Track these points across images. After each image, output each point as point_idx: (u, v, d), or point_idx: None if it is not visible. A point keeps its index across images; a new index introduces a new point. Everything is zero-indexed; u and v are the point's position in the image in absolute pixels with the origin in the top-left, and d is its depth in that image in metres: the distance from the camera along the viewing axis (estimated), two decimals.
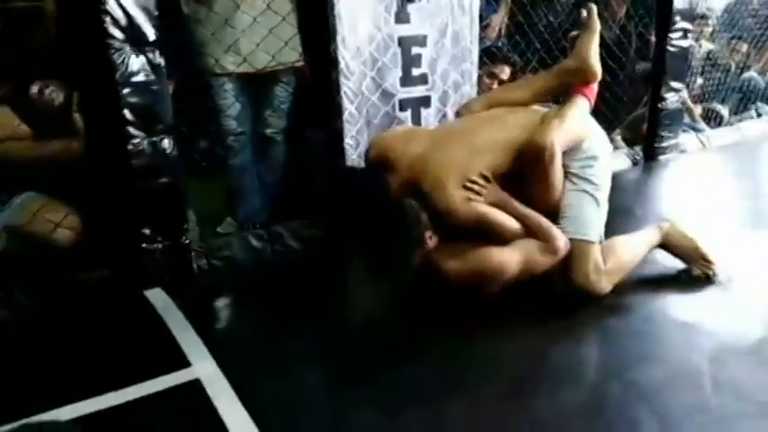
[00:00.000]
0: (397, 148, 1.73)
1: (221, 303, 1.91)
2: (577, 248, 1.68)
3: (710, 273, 1.83)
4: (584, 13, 1.86)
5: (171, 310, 1.73)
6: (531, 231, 1.67)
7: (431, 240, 1.62)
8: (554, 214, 1.72)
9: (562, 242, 1.66)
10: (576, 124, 1.75)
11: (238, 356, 1.53)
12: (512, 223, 1.66)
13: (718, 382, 1.37)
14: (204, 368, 1.45)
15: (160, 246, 1.88)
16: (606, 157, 1.81)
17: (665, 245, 1.86)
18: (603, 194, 1.76)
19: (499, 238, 1.65)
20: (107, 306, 1.80)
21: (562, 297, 1.71)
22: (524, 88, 1.93)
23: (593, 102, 1.85)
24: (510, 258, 1.63)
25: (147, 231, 1.86)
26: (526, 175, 1.70)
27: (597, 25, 1.85)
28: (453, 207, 1.62)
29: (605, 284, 1.70)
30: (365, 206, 1.66)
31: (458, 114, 1.99)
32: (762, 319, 1.63)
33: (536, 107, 1.85)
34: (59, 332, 1.67)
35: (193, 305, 1.76)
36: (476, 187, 1.65)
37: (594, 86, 1.85)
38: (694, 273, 1.85)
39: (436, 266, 1.62)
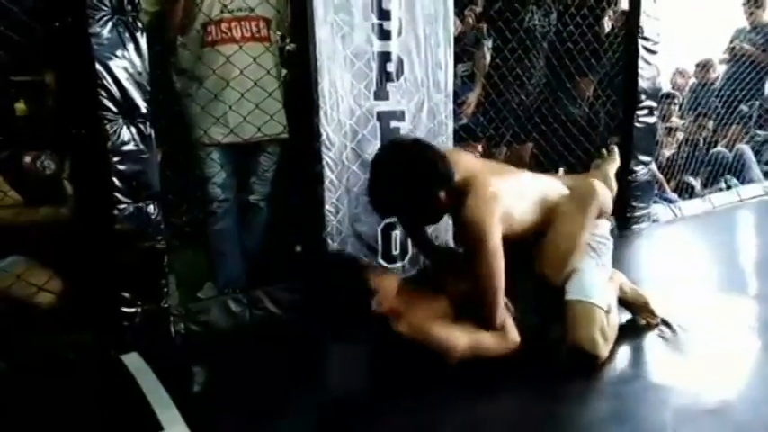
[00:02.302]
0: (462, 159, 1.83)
1: (197, 368, 1.91)
2: (584, 311, 1.70)
3: (655, 323, 1.97)
4: (605, 152, 2.25)
5: (146, 375, 1.72)
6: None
7: (379, 305, 1.64)
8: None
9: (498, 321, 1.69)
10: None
11: (211, 421, 1.52)
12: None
13: None
14: None
15: (139, 309, 1.89)
16: (611, 246, 1.93)
17: (619, 298, 1.94)
18: (608, 274, 1.88)
19: (480, 292, 1.67)
20: (83, 370, 1.79)
21: (563, 362, 1.70)
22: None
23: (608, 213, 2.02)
24: (455, 341, 1.63)
25: (127, 295, 1.88)
26: (553, 228, 1.79)
27: (617, 160, 2.21)
28: (482, 221, 1.60)
29: (606, 352, 1.71)
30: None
31: None
32: (723, 380, 1.67)
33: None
34: (29, 397, 1.66)
35: (169, 370, 1.76)
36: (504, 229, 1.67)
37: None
38: (640, 322, 1.99)
39: (393, 325, 1.64)
